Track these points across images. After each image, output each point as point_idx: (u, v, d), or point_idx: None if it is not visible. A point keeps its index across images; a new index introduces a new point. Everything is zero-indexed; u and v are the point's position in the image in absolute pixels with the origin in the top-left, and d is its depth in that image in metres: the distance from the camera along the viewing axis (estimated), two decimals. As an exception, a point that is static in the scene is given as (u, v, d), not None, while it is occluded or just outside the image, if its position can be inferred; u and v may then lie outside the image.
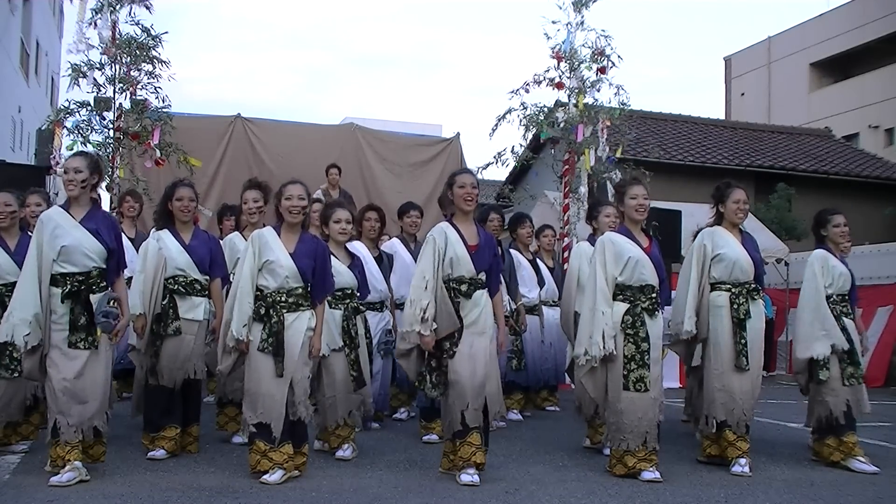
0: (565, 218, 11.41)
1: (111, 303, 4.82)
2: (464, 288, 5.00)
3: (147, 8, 9.96)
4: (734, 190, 5.72)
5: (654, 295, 5.28)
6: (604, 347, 5.12)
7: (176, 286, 5.44)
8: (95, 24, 9.77)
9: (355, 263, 5.84)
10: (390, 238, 7.56)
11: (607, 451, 5.52)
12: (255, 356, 4.84)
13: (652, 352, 5.18)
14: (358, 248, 6.39)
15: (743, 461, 5.40)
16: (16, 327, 4.67)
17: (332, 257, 5.37)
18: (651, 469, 5.09)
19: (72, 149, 9.72)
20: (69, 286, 4.74)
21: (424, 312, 4.88)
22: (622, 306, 5.22)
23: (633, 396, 5.11)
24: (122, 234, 7.07)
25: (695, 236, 5.87)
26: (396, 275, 6.81)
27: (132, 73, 9.83)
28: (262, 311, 4.87)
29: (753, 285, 5.62)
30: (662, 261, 5.45)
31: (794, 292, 13.49)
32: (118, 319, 4.85)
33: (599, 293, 5.21)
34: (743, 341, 5.51)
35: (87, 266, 4.79)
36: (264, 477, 4.73)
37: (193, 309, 5.48)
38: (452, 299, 4.97)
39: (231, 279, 6.04)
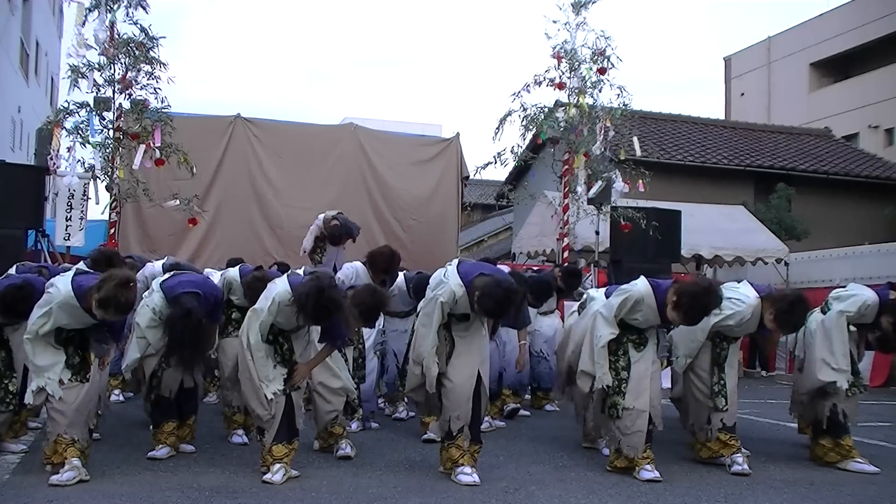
0: (565, 218, 11.42)
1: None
2: (459, 316, 5.09)
3: (143, 8, 9.96)
4: (785, 331, 5.61)
5: (645, 332, 5.31)
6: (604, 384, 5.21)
7: None
8: (84, 23, 9.77)
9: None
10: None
11: (606, 452, 5.57)
12: (267, 367, 4.91)
13: (634, 375, 5.21)
14: (358, 269, 6.38)
15: (740, 459, 5.42)
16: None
17: None
18: (649, 467, 5.11)
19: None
20: (65, 334, 4.86)
21: (436, 370, 4.97)
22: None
23: (606, 419, 5.27)
24: None
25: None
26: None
27: (130, 73, 9.83)
28: (271, 337, 4.93)
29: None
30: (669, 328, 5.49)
31: (794, 292, 13.53)
32: (109, 344, 5.00)
33: (609, 332, 5.20)
34: (722, 382, 5.57)
35: (79, 328, 4.90)
36: (266, 476, 4.75)
37: None
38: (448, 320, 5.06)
39: None
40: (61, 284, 4.72)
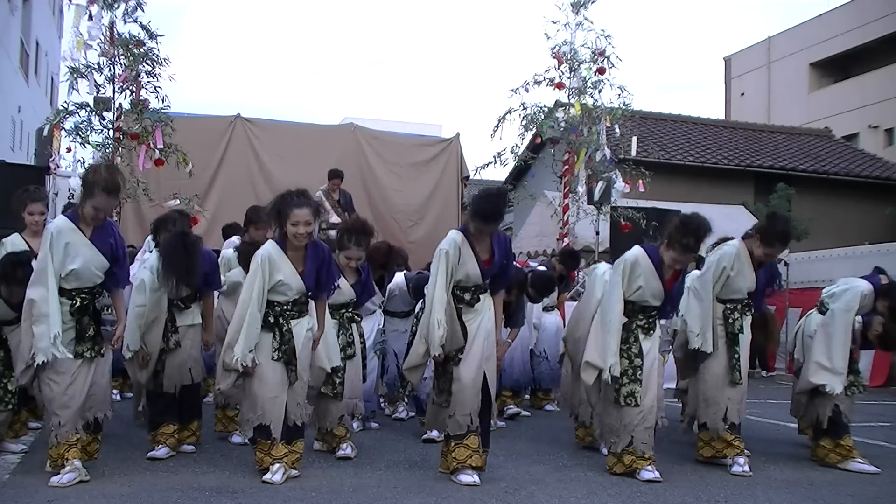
0: (565, 218, 11.42)
1: (107, 309, 4.89)
2: (468, 297, 5.03)
3: (141, 8, 9.96)
4: (775, 245, 5.54)
5: (653, 313, 5.30)
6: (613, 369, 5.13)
7: (175, 302, 5.49)
8: (93, 23, 9.77)
9: (360, 280, 5.83)
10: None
11: (606, 451, 5.55)
12: (264, 362, 4.84)
13: (645, 366, 5.21)
14: None
15: (742, 460, 5.42)
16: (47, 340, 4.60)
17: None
18: (649, 468, 5.10)
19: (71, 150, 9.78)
20: (78, 301, 4.76)
21: (442, 331, 4.88)
22: None
23: (622, 409, 5.18)
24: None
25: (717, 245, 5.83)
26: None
27: (130, 73, 9.83)
28: (272, 320, 4.89)
29: (746, 300, 5.64)
30: (681, 292, 5.45)
31: (794, 292, 13.53)
32: (115, 326, 4.95)
33: (618, 308, 5.19)
34: (736, 356, 5.54)
35: (94, 282, 4.83)
36: (266, 476, 4.74)
37: (188, 315, 5.53)
38: (455, 306, 4.98)
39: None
40: (56, 219, 4.91)
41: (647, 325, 5.27)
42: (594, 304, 5.53)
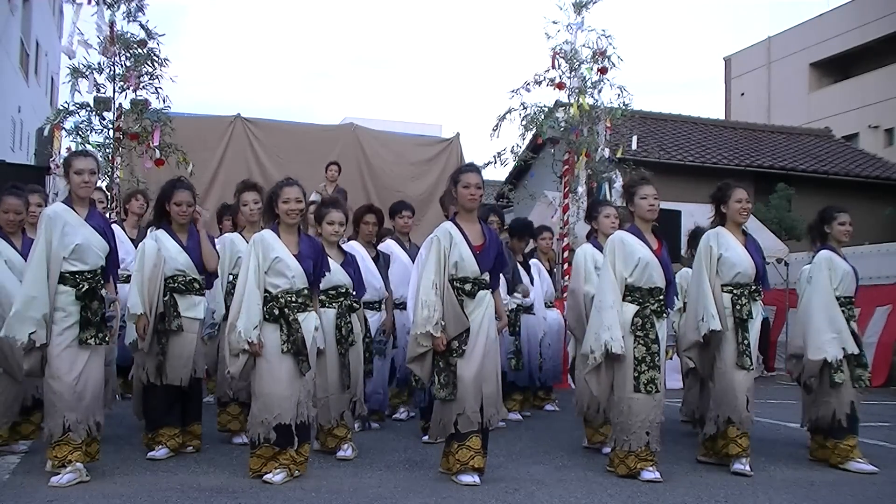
0: (565, 218, 11.42)
1: (109, 305, 4.90)
2: (468, 287, 5.00)
3: (141, 10, 9.96)
4: (735, 189, 5.66)
5: (661, 297, 5.29)
6: (623, 346, 5.08)
7: (175, 284, 5.46)
8: (97, 19, 9.79)
9: (348, 261, 5.81)
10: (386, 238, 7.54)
11: (607, 451, 5.55)
12: (273, 358, 4.82)
13: (661, 352, 5.20)
14: (355, 247, 6.42)
15: (743, 460, 5.39)
16: (25, 323, 4.59)
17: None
18: (651, 468, 5.08)
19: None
20: (84, 284, 4.77)
21: (436, 313, 4.85)
22: (632, 308, 5.21)
23: (642, 398, 5.10)
24: (124, 232, 7.31)
25: (690, 236, 5.83)
26: (394, 275, 6.82)
27: (134, 73, 9.84)
28: (276, 311, 4.87)
29: (754, 287, 5.61)
30: (670, 262, 5.45)
31: (794, 292, 13.51)
32: (114, 320, 5.00)
33: (611, 292, 5.19)
34: (746, 342, 5.49)
35: (97, 264, 4.86)
36: (267, 476, 4.73)
37: (193, 307, 5.51)
38: (457, 298, 4.96)
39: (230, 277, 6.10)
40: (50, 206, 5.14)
41: (658, 309, 5.25)
42: (582, 275, 5.93)
